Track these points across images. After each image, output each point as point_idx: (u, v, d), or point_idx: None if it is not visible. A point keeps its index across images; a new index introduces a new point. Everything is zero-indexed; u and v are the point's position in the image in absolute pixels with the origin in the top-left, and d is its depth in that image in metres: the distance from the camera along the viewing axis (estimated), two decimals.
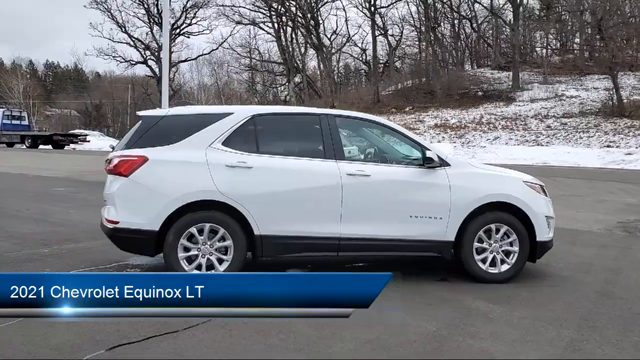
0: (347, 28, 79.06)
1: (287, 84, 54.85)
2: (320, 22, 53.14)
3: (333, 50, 56.51)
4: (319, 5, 52.22)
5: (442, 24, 53.64)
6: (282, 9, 51.98)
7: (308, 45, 53.89)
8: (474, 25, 53.81)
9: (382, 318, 4.50)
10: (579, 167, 25.16)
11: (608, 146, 29.08)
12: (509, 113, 39.11)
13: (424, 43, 52.69)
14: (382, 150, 6.02)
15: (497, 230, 5.71)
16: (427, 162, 5.57)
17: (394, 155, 5.92)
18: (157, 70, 57.18)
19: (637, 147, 27.50)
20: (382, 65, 59.61)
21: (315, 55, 54.32)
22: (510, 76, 47.23)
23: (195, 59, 51.04)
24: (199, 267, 5.27)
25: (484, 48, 56.83)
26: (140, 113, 5.57)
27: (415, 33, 56.52)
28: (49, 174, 17.94)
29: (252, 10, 52.61)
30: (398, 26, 55.82)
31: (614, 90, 34.37)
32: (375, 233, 5.51)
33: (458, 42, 54.87)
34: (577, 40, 51.55)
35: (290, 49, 52.83)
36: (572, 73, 47.37)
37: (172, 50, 56.65)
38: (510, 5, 47.75)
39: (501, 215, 5.70)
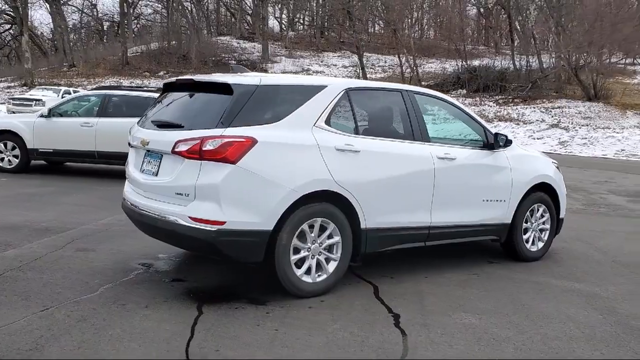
0: None
1: (18, 36, 47.03)
2: None
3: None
4: None
5: None
6: None
7: None
8: None
9: (532, 309, 4.39)
10: None
11: None
12: None
13: (164, 4, 50.50)
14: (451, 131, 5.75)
15: (537, 210, 5.96)
16: (507, 145, 5.52)
17: (458, 136, 5.69)
18: None
19: None
20: (117, 25, 55.54)
21: (47, 7, 47.78)
22: (255, 47, 48.45)
23: None
24: (308, 271, 4.38)
25: (227, 17, 56.99)
26: (229, 81, 4.25)
27: None
28: None
29: None
30: None
31: (361, 69, 37.79)
32: (458, 219, 5.26)
33: (200, 8, 53.91)
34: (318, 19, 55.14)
35: None
36: (309, 49, 50.70)
37: None
38: None
39: (542, 196, 5.95)
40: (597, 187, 12.68)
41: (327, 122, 4.50)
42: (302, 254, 4.34)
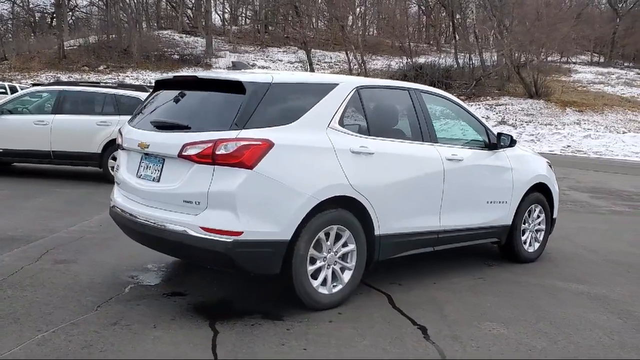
0: None
1: None
2: None
3: None
4: None
5: None
6: None
7: None
8: None
9: (553, 316, 4.28)
10: None
11: None
12: None
13: None
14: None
15: (534, 210, 5.88)
16: (511, 144, 5.42)
17: (461, 136, 5.53)
18: None
19: None
20: (51, 16, 53.19)
21: None
22: (198, 41, 47.32)
23: None
24: (324, 282, 4.10)
25: (167, 10, 55.48)
26: (241, 78, 3.89)
27: None
28: None
29: None
30: None
31: (309, 64, 37.52)
32: (464, 222, 5.10)
33: (140, 0, 52.16)
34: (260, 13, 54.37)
35: None
36: (254, 44, 49.97)
37: None
38: None
39: (538, 196, 5.88)
40: (558, 183, 12.87)
41: (341, 122, 4.23)
42: (318, 264, 4.06)
